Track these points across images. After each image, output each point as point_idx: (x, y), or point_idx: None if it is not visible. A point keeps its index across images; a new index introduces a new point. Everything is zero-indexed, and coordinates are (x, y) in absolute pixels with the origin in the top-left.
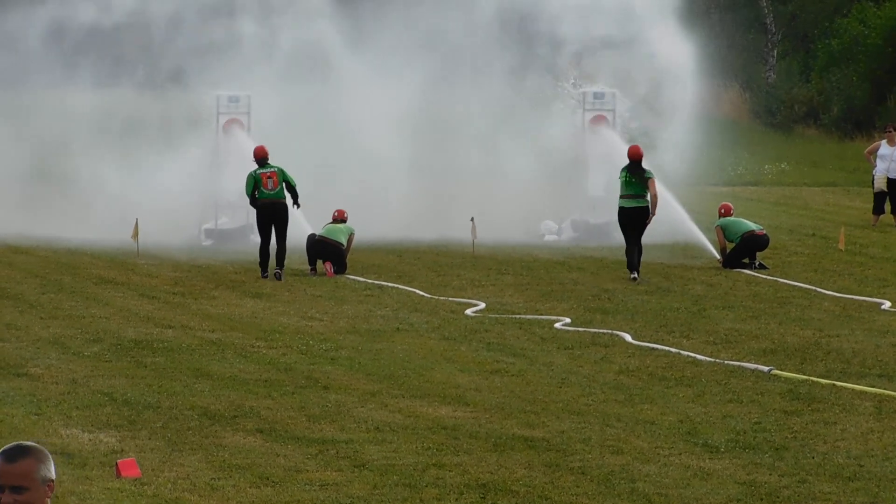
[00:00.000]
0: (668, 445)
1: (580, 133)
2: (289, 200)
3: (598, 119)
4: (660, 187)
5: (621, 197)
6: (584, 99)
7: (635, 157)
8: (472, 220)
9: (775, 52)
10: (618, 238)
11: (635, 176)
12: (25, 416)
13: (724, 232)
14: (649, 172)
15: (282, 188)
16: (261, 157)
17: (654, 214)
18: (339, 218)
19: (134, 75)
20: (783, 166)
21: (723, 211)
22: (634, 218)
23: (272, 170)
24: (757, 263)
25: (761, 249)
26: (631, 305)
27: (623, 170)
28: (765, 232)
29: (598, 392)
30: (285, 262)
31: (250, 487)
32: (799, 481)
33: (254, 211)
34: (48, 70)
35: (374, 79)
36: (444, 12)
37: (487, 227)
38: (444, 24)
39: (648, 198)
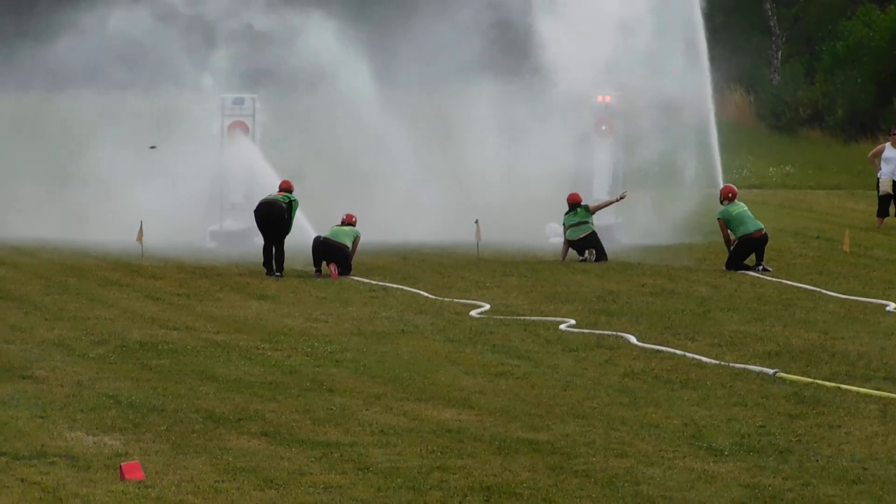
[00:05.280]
0: (672, 448)
1: (584, 136)
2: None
3: (601, 122)
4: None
5: (568, 228)
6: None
7: (575, 200)
8: (477, 222)
9: (780, 54)
10: (622, 241)
11: (577, 208)
12: (30, 418)
13: (727, 225)
14: (586, 205)
15: (285, 199)
16: (284, 188)
17: (621, 197)
18: (348, 222)
19: (140, 76)
20: (788, 169)
21: (730, 195)
22: (584, 245)
23: (288, 199)
24: (761, 266)
25: (760, 249)
26: (636, 307)
27: (566, 213)
28: (763, 232)
29: (603, 395)
30: (284, 263)
31: (254, 490)
32: (803, 484)
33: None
34: (53, 72)
35: (379, 81)
36: (452, 16)
37: (492, 229)
38: (450, 29)
39: (592, 222)
